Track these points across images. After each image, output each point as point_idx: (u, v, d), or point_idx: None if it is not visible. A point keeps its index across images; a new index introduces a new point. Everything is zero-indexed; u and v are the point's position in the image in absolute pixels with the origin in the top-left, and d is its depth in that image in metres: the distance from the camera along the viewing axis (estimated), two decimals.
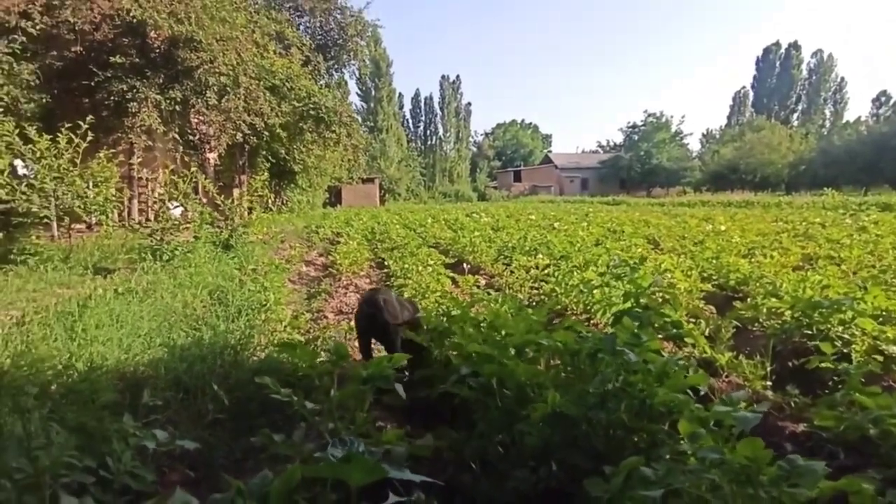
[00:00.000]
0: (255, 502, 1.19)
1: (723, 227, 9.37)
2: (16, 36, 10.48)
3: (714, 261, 6.66)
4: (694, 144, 62.23)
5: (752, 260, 6.80)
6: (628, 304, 3.63)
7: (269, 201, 17.06)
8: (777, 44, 60.71)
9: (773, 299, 4.34)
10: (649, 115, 53.44)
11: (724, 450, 1.46)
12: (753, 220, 13.11)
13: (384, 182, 45.10)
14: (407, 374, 3.81)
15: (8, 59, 10.17)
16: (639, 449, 1.94)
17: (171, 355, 3.85)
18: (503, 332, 2.83)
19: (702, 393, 2.51)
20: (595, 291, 4.49)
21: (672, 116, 54.38)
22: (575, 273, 5.45)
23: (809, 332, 3.95)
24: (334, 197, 38.52)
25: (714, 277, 6.35)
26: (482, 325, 3.16)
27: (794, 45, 59.45)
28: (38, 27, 11.17)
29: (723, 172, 46.14)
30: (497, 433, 2.45)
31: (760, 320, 4.62)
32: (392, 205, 40.33)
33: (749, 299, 4.96)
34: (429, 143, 62.02)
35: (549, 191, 53.39)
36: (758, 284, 5.57)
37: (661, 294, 3.56)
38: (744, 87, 64.51)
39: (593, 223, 12.53)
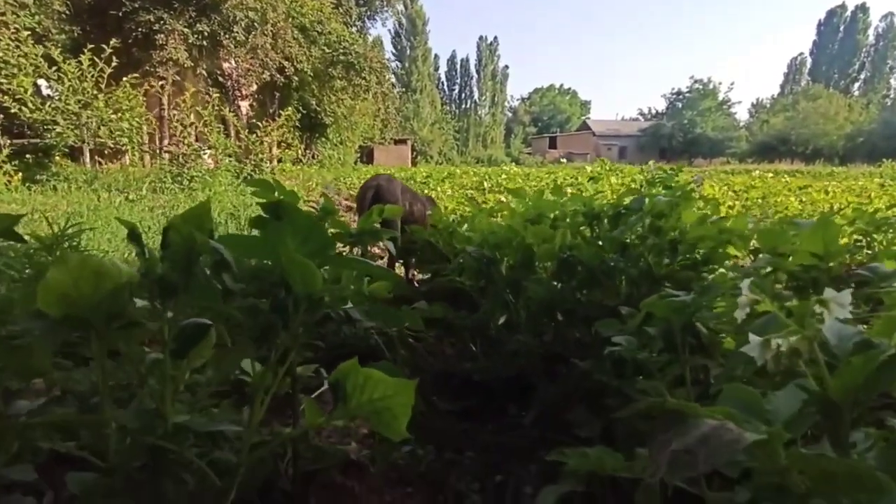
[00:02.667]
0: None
1: (770, 176, 8.71)
2: None
3: (761, 200, 6.12)
4: (742, 114, 59.27)
5: (803, 199, 6.22)
6: None
7: (299, 151, 16.94)
8: (843, 6, 56.32)
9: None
10: (695, 82, 50.90)
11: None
12: (802, 183, 12.21)
13: (416, 144, 44.54)
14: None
15: None
16: None
17: None
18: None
19: None
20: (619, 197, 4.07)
21: (720, 84, 51.68)
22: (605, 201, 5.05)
23: (870, 252, 3.50)
24: (366, 156, 38.36)
25: (759, 217, 5.83)
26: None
27: (862, 8, 55.02)
28: None
29: (771, 143, 43.70)
30: (500, 309, 2.16)
31: None
32: (423, 166, 39.89)
33: None
34: (463, 106, 60.87)
35: (585, 158, 51.66)
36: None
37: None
38: (801, 54, 60.59)
39: (624, 173, 11.88)
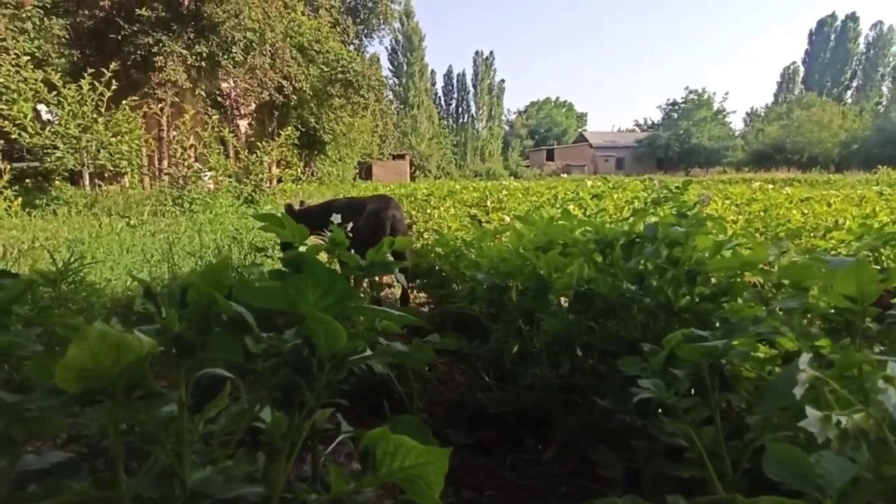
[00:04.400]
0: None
1: (770, 187, 8.72)
2: None
3: (762, 213, 6.10)
4: (737, 123, 59.73)
5: (805, 212, 6.21)
6: None
7: (298, 169, 16.99)
8: (833, 15, 57.03)
9: (833, 234, 3.82)
10: (690, 92, 51.35)
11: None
12: (801, 191, 12.20)
13: (415, 159, 44.70)
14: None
15: (38, 12, 10.19)
16: None
17: (174, 276, 3.67)
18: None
19: None
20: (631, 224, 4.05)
21: (714, 93, 52.17)
22: (609, 219, 5.03)
23: (878, 267, 3.48)
24: (365, 173, 38.45)
25: (762, 231, 5.81)
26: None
27: (852, 17, 55.74)
28: None
29: (767, 152, 43.97)
30: (514, 339, 2.12)
31: None
32: (422, 181, 40.00)
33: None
34: (461, 120, 61.25)
35: (582, 170, 51.90)
36: (812, 235, 5.04)
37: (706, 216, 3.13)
38: (794, 63, 61.22)
39: (627, 187, 11.89)
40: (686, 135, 49.67)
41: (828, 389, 0.79)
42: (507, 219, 5.37)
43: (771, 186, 8.34)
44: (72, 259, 2.69)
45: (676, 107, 52.16)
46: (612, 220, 4.82)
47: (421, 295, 3.97)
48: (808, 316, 1.27)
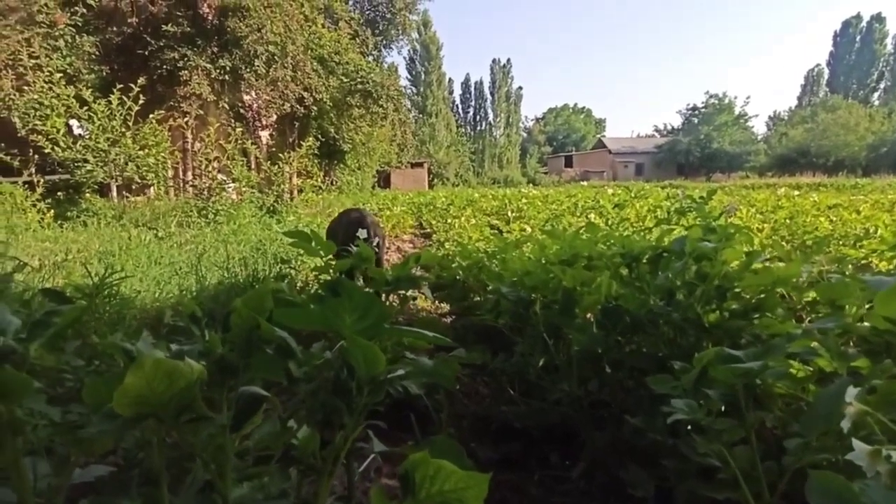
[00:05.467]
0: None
1: (796, 193, 8.56)
2: (77, 8, 10.86)
3: (788, 220, 5.99)
4: (760, 128, 58.71)
5: (833, 219, 6.08)
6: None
7: (319, 179, 17.20)
8: (858, 17, 55.97)
9: (864, 242, 3.73)
10: (711, 97, 50.71)
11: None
12: (829, 197, 11.94)
13: (433, 166, 44.91)
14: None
15: (70, 30, 10.55)
16: None
17: (202, 288, 3.75)
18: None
19: None
20: (653, 233, 4.02)
21: (735, 98, 51.40)
22: (631, 228, 5.00)
23: None
24: (383, 181, 38.73)
25: (788, 238, 5.70)
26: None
27: (878, 18, 54.61)
28: (98, 0, 11.56)
29: (791, 156, 43.11)
30: (539, 352, 2.12)
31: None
32: (441, 189, 40.15)
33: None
34: (478, 128, 61.42)
35: (601, 176, 51.55)
36: (841, 244, 4.92)
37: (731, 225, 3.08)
38: (818, 66, 60.14)
39: (649, 195, 11.77)
40: (707, 140, 49.01)
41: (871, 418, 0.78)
42: (528, 228, 5.38)
43: (797, 192, 8.18)
44: (105, 273, 2.77)
45: (697, 112, 51.58)
46: (634, 229, 4.78)
47: (443, 306, 3.98)
48: (846, 336, 1.25)
